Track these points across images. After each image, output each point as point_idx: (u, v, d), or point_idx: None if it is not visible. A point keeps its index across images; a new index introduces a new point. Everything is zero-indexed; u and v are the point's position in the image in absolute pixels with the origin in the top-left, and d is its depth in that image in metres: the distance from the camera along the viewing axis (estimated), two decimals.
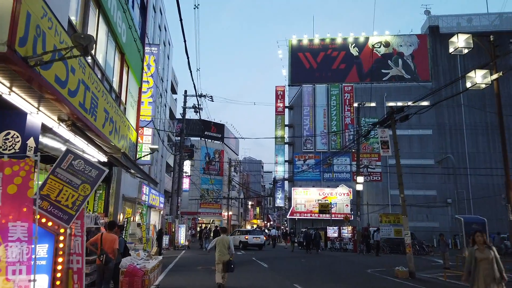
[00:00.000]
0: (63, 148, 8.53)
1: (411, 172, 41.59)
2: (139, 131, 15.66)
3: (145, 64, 16.14)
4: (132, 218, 15.33)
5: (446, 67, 43.46)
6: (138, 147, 15.52)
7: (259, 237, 25.77)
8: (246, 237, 25.08)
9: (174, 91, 38.29)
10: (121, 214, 14.35)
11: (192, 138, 47.89)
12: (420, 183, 41.74)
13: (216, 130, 57.75)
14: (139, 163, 14.52)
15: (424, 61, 44.30)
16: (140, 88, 14.46)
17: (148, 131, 15.72)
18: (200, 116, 24.52)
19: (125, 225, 12.83)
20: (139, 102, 14.49)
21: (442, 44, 44.49)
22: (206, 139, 51.69)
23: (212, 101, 27.76)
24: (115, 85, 11.35)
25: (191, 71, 13.75)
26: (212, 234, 26.47)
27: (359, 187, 26.71)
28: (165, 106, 26.76)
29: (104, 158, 10.94)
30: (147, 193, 20.07)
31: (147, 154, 14.30)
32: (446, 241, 17.15)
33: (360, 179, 26.68)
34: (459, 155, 41.69)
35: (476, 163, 40.65)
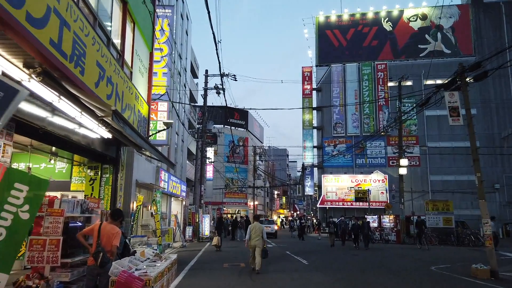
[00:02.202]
0: (46, 115, 6.36)
1: (453, 153, 38.17)
2: (153, 106, 13.50)
3: (157, 29, 13.90)
4: (148, 206, 13.17)
5: (491, 39, 39.28)
6: (152, 124, 13.36)
7: (270, 226, 28.48)
8: None
9: (194, 75, 36.17)
10: (134, 202, 12.26)
11: (215, 126, 45.95)
12: (464, 167, 38.09)
13: (240, 117, 55.49)
14: (154, 144, 12.35)
15: (466, 34, 40.24)
16: (151, 54, 12.21)
17: (163, 106, 13.51)
18: (224, 96, 22.31)
19: (134, 215, 10.70)
20: (151, 71, 12.26)
21: (486, 14, 40.32)
22: (230, 127, 49.60)
23: (236, 80, 25.37)
24: (116, 40, 9.12)
25: (214, 37, 11.36)
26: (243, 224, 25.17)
27: (403, 171, 23.82)
28: (185, 87, 24.58)
29: (107, 134, 8.79)
30: (166, 180, 18.02)
31: (161, 130, 12.08)
32: None
33: (404, 161, 23.77)
34: (508, 136, 37.72)
35: None
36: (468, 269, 10.98)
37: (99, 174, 10.74)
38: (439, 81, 40.44)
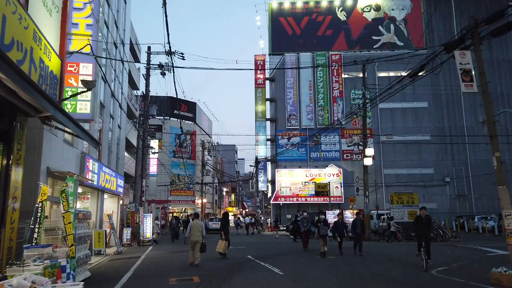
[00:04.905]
0: None
1: (405, 142, 37.70)
2: (72, 68, 9.99)
3: None
4: (63, 204, 9.60)
5: (441, 33, 39.41)
6: (70, 92, 9.86)
7: (218, 223, 29.67)
8: None
9: (136, 58, 32.12)
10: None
11: (159, 118, 42.06)
12: (416, 160, 37.89)
13: (188, 109, 51.74)
14: (75, 119, 8.88)
15: (418, 26, 40.07)
16: None
17: (86, 69, 10.01)
18: (173, 77, 18.89)
19: (38, 214, 7.28)
20: (65, 14, 8.82)
21: (437, 7, 40.49)
22: (178, 118, 45.71)
23: (184, 59, 22.08)
24: None
25: None
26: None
27: (368, 162, 21.98)
28: (123, 64, 20.81)
29: None
30: (96, 171, 14.39)
31: (79, 93, 8.66)
32: None
33: (370, 151, 21.95)
34: (457, 129, 38.08)
35: (476, 137, 36.95)
36: (475, 271, 8.96)
37: None
38: (392, 73, 40.04)
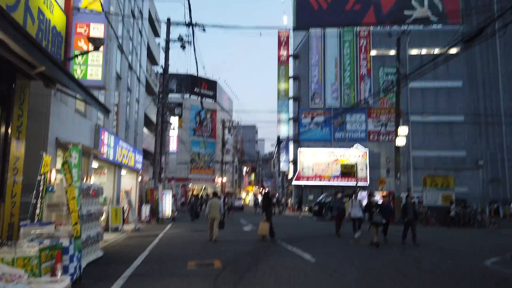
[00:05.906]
0: None
1: (440, 121, 35.68)
2: (82, 30, 9.03)
3: None
4: (66, 176, 8.79)
5: (480, 7, 36.57)
6: (81, 58, 8.93)
7: (238, 202, 37.17)
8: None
9: (156, 33, 31.03)
10: (51, 170, 7.93)
11: (177, 96, 41.22)
12: (448, 142, 35.88)
13: (208, 87, 50.73)
14: (85, 86, 7.96)
15: (454, 0, 37.33)
16: None
17: (97, 31, 9.06)
18: (194, 51, 17.95)
19: (40, 188, 6.46)
20: None
21: None
22: (199, 95, 44.89)
23: (204, 31, 20.93)
24: None
25: None
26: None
27: (401, 142, 20.45)
28: (141, 35, 19.82)
29: None
30: (111, 145, 13.62)
31: (86, 52, 7.67)
32: None
33: (404, 130, 20.40)
34: (492, 110, 35.73)
35: None
36: None
37: None
38: (424, 51, 37.70)
